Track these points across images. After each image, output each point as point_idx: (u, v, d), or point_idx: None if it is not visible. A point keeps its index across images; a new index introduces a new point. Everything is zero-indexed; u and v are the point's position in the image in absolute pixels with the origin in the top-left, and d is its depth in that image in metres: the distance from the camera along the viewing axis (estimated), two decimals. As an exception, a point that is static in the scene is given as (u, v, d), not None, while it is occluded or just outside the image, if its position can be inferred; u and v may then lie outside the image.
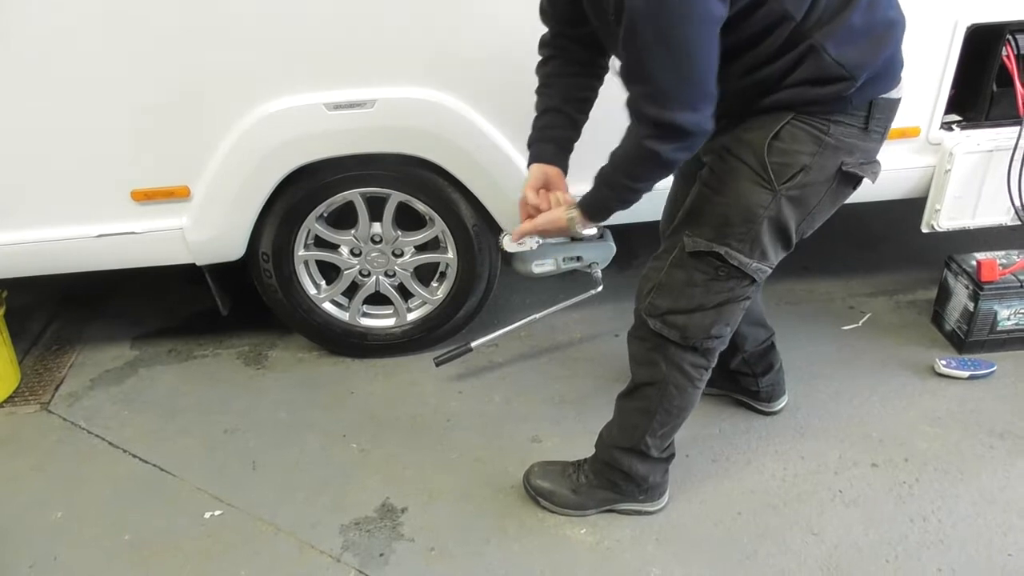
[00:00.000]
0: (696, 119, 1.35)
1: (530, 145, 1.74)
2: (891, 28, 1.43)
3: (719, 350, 1.72)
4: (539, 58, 1.72)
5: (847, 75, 1.39)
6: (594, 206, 1.60)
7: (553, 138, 1.72)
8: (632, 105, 1.39)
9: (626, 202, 1.54)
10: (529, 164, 1.74)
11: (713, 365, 1.74)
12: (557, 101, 1.69)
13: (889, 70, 1.46)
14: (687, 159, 1.43)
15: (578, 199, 1.63)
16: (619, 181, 1.51)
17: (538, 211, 1.71)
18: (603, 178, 1.54)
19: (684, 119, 1.34)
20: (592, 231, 1.64)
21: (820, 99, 1.42)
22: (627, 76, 1.37)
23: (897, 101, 1.51)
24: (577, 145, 1.74)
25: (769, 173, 1.47)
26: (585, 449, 1.94)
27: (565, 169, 1.74)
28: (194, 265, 2.27)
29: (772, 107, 1.46)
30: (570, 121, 1.71)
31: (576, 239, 2.01)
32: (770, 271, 1.61)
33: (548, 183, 1.72)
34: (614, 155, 1.50)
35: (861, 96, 1.44)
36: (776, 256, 1.59)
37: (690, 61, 1.30)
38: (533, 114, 1.87)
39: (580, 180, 1.64)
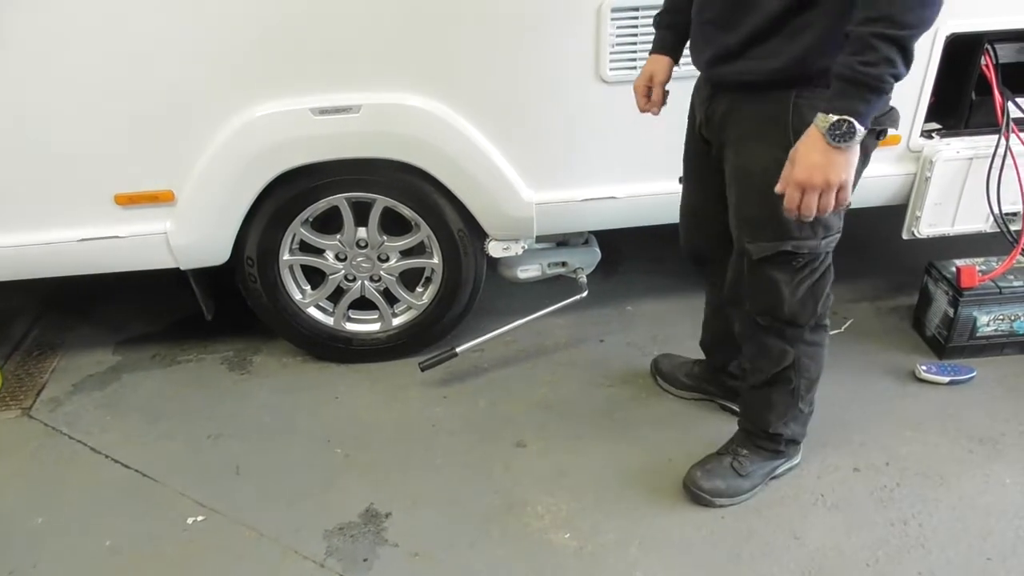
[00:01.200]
0: None
1: (656, 26, 1.77)
2: None
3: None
4: None
5: None
6: (850, 92, 1.31)
7: (675, 24, 1.73)
8: None
9: (905, 58, 1.30)
10: (652, 52, 1.76)
11: (829, 324, 1.79)
12: None
13: None
14: None
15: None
16: (884, 32, 1.27)
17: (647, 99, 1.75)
18: (861, 43, 1.28)
19: None
20: (857, 140, 1.33)
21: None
22: None
23: None
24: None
25: None
26: (571, 454, 1.94)
27: (677, 60, 1.77)
28: (178, 270, 2.26)
29: (784, 81, 1.46)
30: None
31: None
32: (839, 235, 1.63)
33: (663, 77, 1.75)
34: (867, 16, 1.28)
35: None
36: (838, 222, 1.61)
37: None
38: (517, 118, 1.88)
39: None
